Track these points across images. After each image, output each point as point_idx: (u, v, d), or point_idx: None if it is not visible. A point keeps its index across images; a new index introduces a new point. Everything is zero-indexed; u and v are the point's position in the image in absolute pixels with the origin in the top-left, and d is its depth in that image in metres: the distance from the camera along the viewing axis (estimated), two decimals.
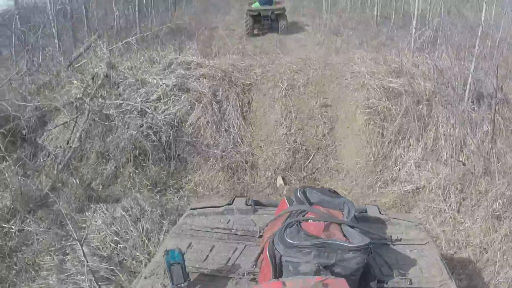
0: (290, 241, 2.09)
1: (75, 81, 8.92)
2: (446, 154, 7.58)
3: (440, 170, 7.25)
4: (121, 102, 8.20)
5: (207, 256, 2.60)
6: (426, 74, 8.66)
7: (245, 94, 8.73)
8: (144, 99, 8.40)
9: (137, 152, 7.72)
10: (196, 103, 8.39)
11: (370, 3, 18.71)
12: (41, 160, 7.71)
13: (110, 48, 9.97)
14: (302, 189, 2.57)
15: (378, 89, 8.22)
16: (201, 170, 7.92)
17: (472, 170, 6.67)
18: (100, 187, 7.27)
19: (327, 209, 2.41)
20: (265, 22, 15.28)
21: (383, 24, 15.79)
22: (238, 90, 8.69)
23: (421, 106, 7.95)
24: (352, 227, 2.27)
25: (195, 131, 8.23)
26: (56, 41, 11.87)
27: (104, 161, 7.73)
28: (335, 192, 2.73)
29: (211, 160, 7.98)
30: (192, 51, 10.16)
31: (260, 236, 2.72)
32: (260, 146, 8.30)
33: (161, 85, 8.54)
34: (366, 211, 3.08)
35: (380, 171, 7.69)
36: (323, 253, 2.07)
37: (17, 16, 11.86)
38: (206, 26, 16.39)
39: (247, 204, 3.12)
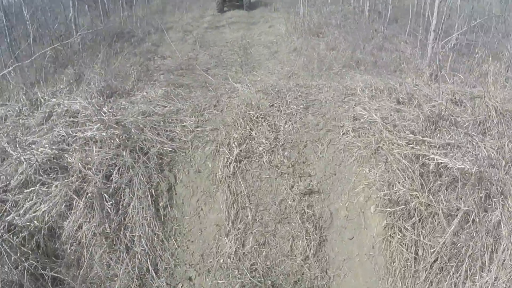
0: None
1: None
2: None
3: None
4: None
5: None
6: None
7: (163, 173, 4.36)
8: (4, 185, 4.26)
9: None
10: (76, 197, 4.07)
11: None
12: None
13: None
14: None
15: (406, 161, 3.92)
16: None
17: None
18: None
19: None
20: None
21: (374, 20, 11.41)
22: (150, 167, 4.31)
23: (493, 203, 3.68)
24: None
25: (74, 250, 4.02)
26: None
27: None
28: None
29: None
30: (93, 85, 5.67)
31: None
32: (190, 279, 4.02)
33: (22, 162, 4.20)
34: None
35: None
36: None
37: None
38: (158, 28, 11.88)
39: None
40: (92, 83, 5.81)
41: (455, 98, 4.97)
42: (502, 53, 7.10)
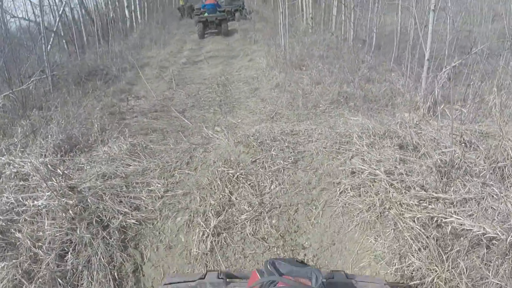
0: None
1: None
2: None
3: None
4: None
5: None
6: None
7: (127, 251, 3.61)
8: None
9: None
10: (25, 282, 3.30)
11: (335, 22, 13.87)
12: None
13: None
14: (271, 261, 2.05)
15: (419, 226, 3.25)
16: None
17: None
18: None
19: (296, 278, 1.96)
20: (211, 26, 17.05)
21: (359, 49, 10.94)
22: (111, 243, 3.56)
23: None
24: None
25: None
26: None
27: None
28: (302, 262, 2.16)
29: None
30: (51, 140, 4.95)
31: None
32: None
33: None
34: (333, 277, 2.35)
35: None
36: None
37: None
38: (134, 65, 11.21)
39: (219, 278, 2.33)
40: (49, 136, 5.08)
41: (463, 139, 4.34)
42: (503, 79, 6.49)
